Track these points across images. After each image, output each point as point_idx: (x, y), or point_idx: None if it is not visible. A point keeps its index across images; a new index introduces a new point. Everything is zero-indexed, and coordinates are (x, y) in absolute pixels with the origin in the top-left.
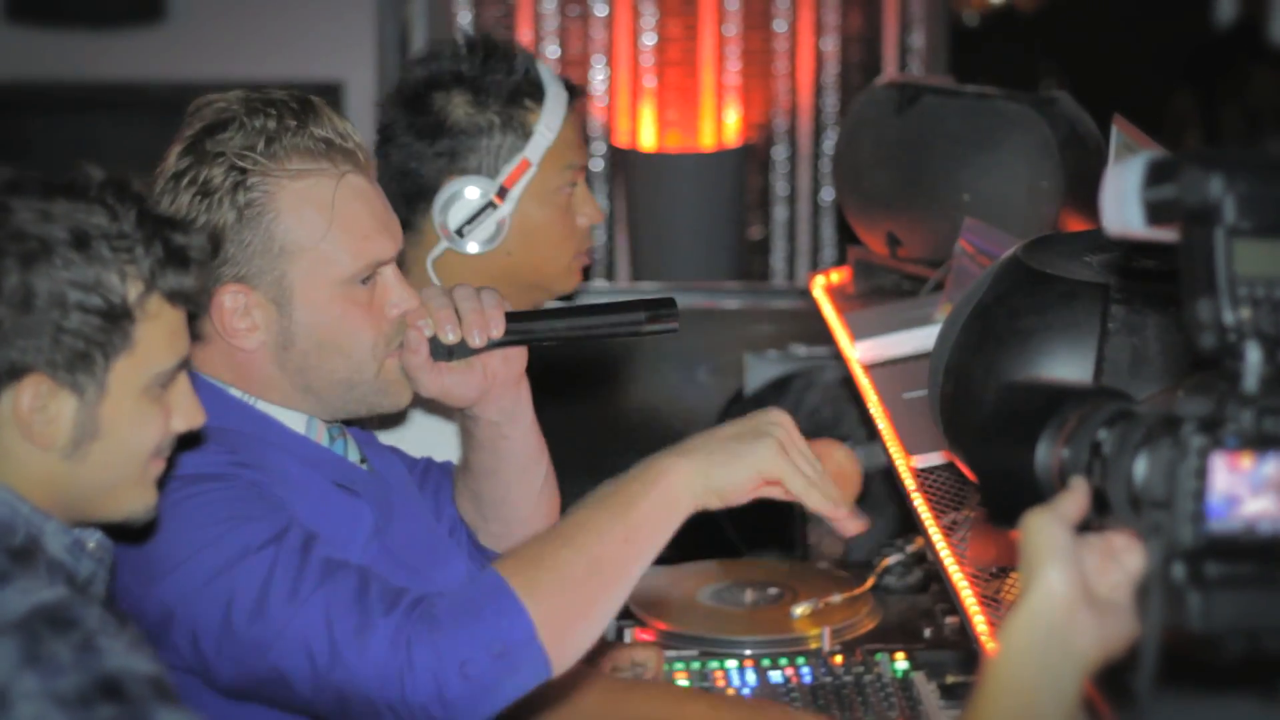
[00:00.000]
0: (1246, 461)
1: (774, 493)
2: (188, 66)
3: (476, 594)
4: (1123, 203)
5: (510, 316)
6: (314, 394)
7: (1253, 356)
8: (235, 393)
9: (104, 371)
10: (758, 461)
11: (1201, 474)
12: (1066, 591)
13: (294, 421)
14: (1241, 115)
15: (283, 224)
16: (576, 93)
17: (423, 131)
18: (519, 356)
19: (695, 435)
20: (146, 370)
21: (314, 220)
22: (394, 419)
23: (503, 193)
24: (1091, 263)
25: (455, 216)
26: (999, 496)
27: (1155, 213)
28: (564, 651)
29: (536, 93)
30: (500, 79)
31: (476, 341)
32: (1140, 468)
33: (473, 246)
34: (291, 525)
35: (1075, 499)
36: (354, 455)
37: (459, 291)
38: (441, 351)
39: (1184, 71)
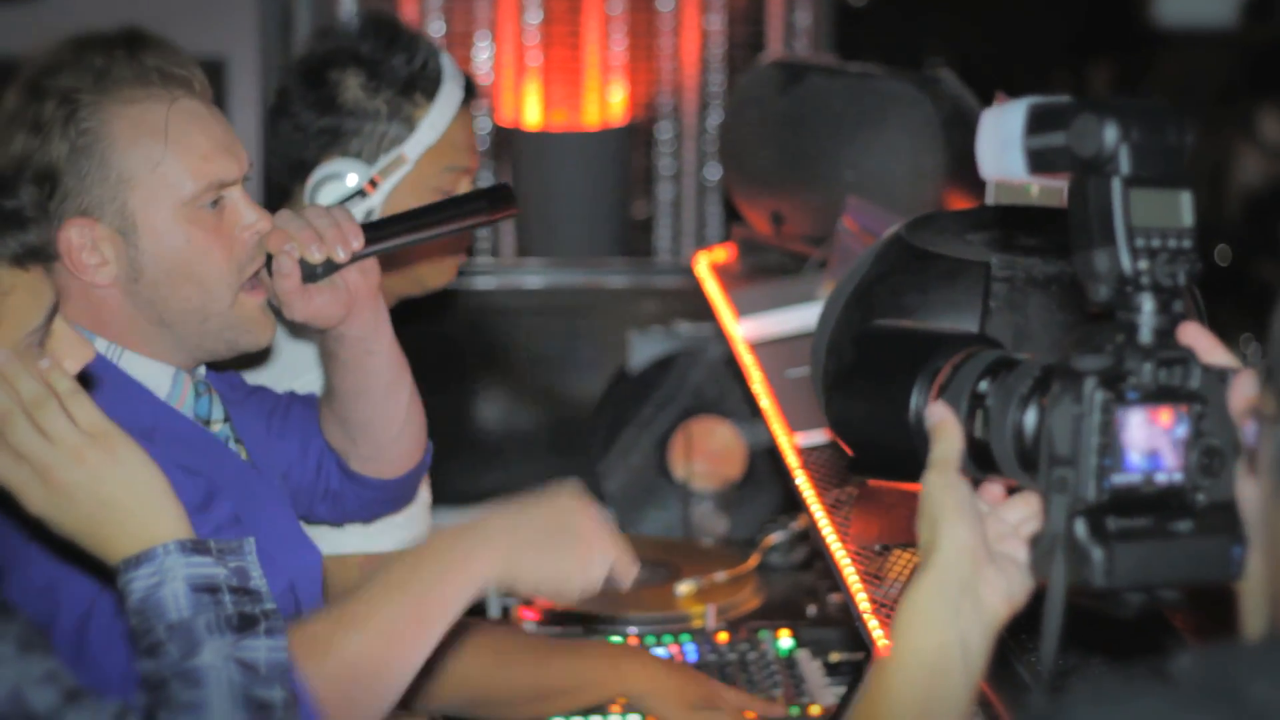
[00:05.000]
0: (1147, 414)
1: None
2: None
3: None
4: (1003, 149)
5: (365, 227)
6: (169, 329)
7: (1148, 308)
8: (100, 344)
9: None
10: (561, 568)
11: (1106, 429)
12: (974, 547)
13: (160, 380)
14: (1124, 90)
15: (118, 151)
16: (473, 93)
17: (313, 105)
18: (373, 268)
19: (510, 508)
20: (17, 334)
21: (149, 145)
22: (257, 358)
23: (374, 184)
24: (974, 241)
25: (325, 197)
26: (866, 448)
27: (1039, 160)
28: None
29: (430, 88)
30: (397, 66)
31: (341, 256)
32: (1030, 420)
33: None
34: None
35: (952, 436)
36: (218, 413)
37: (310, 211)
38: (309, 272)
39: (1069, 48)
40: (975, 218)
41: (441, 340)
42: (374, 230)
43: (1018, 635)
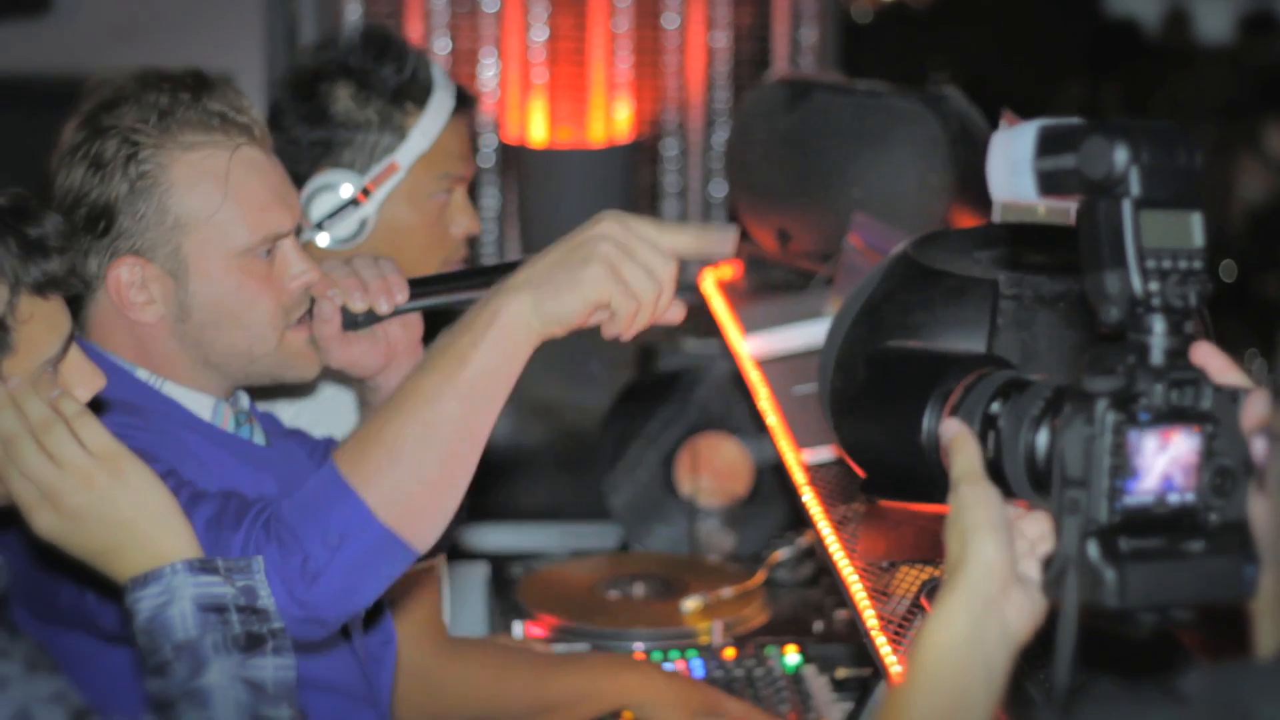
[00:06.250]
0: (1158, 435)
1: (603, 320)
2: (75, 58)
3: (314, 486)
4: (1013, 172)
5: (411, 282)
6: (214, 367)
7: (1159, 329)
8: (142, 374)
9: None
10: (586, 290)
11: (1118, 451)
12: (1002, 565)
13: (200, 406)
14: (1130, 107)
15: (176, 196)
16: (466, 102)
17: (305, 118)
18: (416, 323)
19: (527, 262)
20: (32, 362)
21: (208, 192)
22: (301, 389)
23: (367, 192)
24: (981, 258)
25: (318, 208)
26: (878, 469)
27: (1049, 183)
28: (418, 528)
29: (421, 95)
30: (386, 76)
31: (384, 308)
32: (1042, 441)
33: (324, 239)
34: (166, 474)
35: (969, 448)
36: (259, 439)
37: (359, 261)
38: (350, 320)
39: (1076, 65)
40: (982, 235)
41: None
42: (420, 286)
43: (1026, 652)
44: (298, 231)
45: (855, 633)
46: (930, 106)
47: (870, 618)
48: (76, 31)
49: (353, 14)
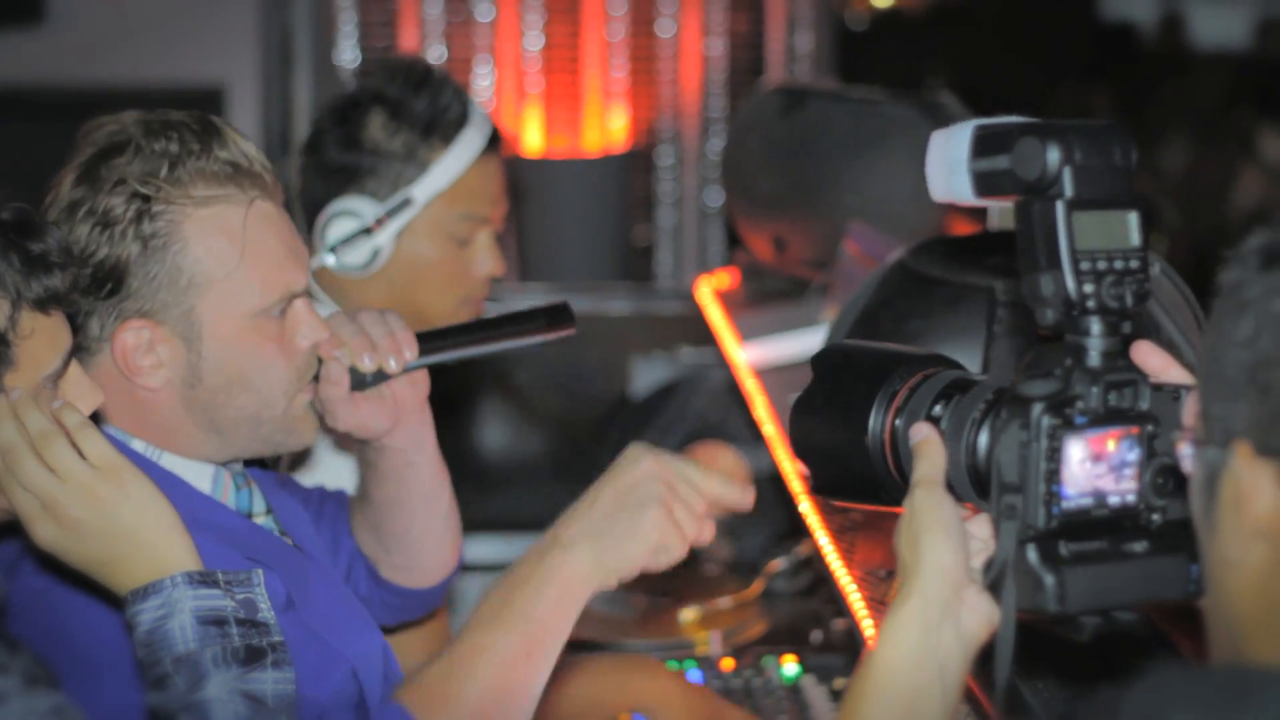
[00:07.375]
0: (1096, 438)
1: (661, 564)
2: (68, 69)
3: None
4: (950, 172)
5: (418, 336)
6: (218, 433)
7: (1096, 330)
8: (138, 445)
9: None
10: (649, 536)
11: (1054, 455)
12: (955, 569)
13: (200, 477)
14: (1126, 111)
15: (190, 255)
16: (498, 144)
17: (338, 142)
18: (424, 379)
19: (576, 510)
20: (33, 377)
21: (224, 250)
22: (300, 460)
23: (380, 222)
24: (977, 266)
25: (335, 232)
26: (825, 468)
27: (985, 184)
28: None
29: (449, 132)
30: (419, 108)
31: (393, 367)
32: (983, 443)
33: (331, 260)
34: None
35: (935, 454)
36: (259, 505)
37: (366, 316)
38: (358, 381)
39: (1072, 71)
40: (978, 243)
41: (442, 367)
42: (428, 341)
43: (1022, 659)
44: None
45: (853, 642)
46: (926, 113)
47: (868, 627)
48: (69, 42)
49: (347, 23)
